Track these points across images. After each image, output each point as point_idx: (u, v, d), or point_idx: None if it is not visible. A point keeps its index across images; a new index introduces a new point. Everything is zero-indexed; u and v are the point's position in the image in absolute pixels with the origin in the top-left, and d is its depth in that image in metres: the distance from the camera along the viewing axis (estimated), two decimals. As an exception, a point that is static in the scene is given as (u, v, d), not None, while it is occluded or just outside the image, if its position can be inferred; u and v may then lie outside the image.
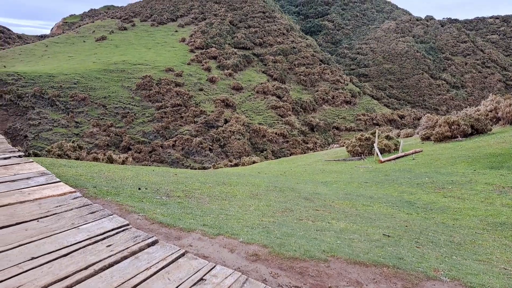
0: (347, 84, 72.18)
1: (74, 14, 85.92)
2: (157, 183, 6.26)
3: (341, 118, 62.11)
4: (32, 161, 2.64)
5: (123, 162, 18.27)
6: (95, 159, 17.33)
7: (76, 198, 2.27)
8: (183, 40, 76.08)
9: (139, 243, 1.91)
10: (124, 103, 50.41)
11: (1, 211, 2.03)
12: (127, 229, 2.03)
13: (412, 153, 15.45)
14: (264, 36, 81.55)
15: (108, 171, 6.70)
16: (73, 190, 2.35)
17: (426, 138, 18.72)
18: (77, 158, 14.69)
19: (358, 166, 14.85)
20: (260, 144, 49.63)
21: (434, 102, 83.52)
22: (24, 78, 45.51)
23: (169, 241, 3.15)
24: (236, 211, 5.13)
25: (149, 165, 37.14)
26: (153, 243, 1.95)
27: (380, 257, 3.55)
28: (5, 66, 52.91)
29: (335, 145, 33.50)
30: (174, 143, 46.89)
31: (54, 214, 2.07)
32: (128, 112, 48.82)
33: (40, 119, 40.49)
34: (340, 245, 3.91)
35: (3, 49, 63.67)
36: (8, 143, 3.41)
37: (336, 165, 16.26)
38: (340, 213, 6.04)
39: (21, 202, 2.14)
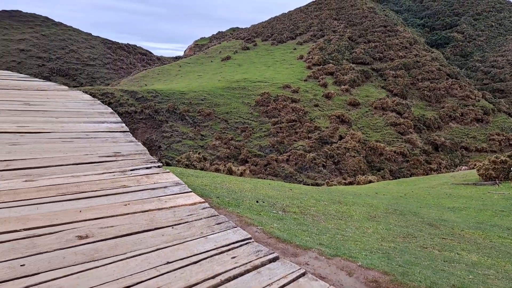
0: (479, 100, 65.15)
1: (204, 37, 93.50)
2: (273, 197, 6.38)
3: (471, 137, 56.14)
4: (169, 172, 2.89)
5: (241, 174, 19.10)
6: (217, 170, 18.41)
7: (204, 208, 2.42)
8: (301, 57, 77.29)
9: (261, 257, 1.95)
10: (243, 118, 52.91)
11: (143, 216, 2.26)
12: (250, 242, 2.09)
13: None
14: (385, 50, 78.49)
15: (229, 182, 7.06)
16: (202, 200, 2.51)
17: None
18: (201, 168, 15.82)
19: (491, 192, 13.21)
20: (377, 163, 47.45)
21: None
22: (160, 95, 50.72)
23: (286, 257, 3.16)
24: (353, 232, 4.95)
25: (265, 178, 38.21)
26: (274, 259, 1.98)
27: (525, 301, 3.07)
28: (146, 85, 59.77)
29: (463, 167, 30.38)
30: (288, 157, 47.56)
31: (186, 222, 2.23)
32: (247, 127, 51.13)
33: (172, 132, 44.63)
34: (472, 280, 3.49)
35: (145, 69, 72.31)
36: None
37: (465, 190, 14.69)
38: (471, 244, 5.42)
39: (159, 209, 2.35)
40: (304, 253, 3.32)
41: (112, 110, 5.00)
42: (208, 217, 2.32)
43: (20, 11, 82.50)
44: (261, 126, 51.29)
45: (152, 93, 50.72)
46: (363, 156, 47.11)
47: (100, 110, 4.86)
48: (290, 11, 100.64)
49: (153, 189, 2.66)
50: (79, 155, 3.20)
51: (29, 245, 1.89)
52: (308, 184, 37.21)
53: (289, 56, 78.24)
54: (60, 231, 2.04)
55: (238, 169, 19.03)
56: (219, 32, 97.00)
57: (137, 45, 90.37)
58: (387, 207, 7.71)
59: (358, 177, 33.30)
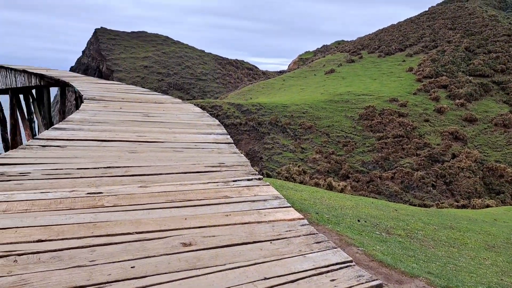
0: None
1: (309, 51, 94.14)
2: (376, 217, 6.05)
3: None
4: (269, 185, 2.90)
5: (342, 190, 18.59)
6: (316, 184, 18.20)
7: (303, 225, 2.36)
8: (411, 69, 73.25)
9: (362, 283, 1.83)
10: (346, 132, 51.84)
11: (243, 228, 2.28)
12: (351, 266, 1.98)
13: None
14: (508, 61, 70.53)
15: (329, 199, 6.90)
16: (301, 216, 2.46)
17: None
18: (301, 182, 15.79)
19: None
20: (496, 186, 42.47)
21: None
22: (264, 108, 52.14)
23: (389, 283, 2.95)
24: (467, 262, 4.45)
25: (366, 196, 36.74)
26: (377, 287, 1.84)
27: None
28: (251, 98, 62.10)
29: None
30: (393, 175, 45.09)
31: (284, 238, 2.20)
32: (349, 141, 49.88)
33: (273, 144, 45.48)
34: None
35: (251, 83, 75.22)
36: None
37: None
38: None
39: (258, 222, 2.36)
40: (410, 281, 3.06)
41: (219, 122, 5.27)
42: (307, 234, 2.26)
43: (146, 32, 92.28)
44: (364, 140, 49.63)
45: (256, 106, 52.36)
46: (479, 177, 42.59)
47: (208, 122, 5.16)
48: (399, 22, 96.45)
49: (253, 201, 2.69)
50: (188, 164, 3.39)
51: (140, 248, 2.02)
52: (415, 205, 34.77)
53: (397, 69, 74.71)
54: (167, 236, 2.15)
55: (338, 185, 18.60)
56: (323, 45, 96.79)
57: (245, 61, 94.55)
58: (508, 237, 6.81)
59: (473, 200, 30.18)
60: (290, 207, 2.62)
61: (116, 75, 70.81)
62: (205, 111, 6.24)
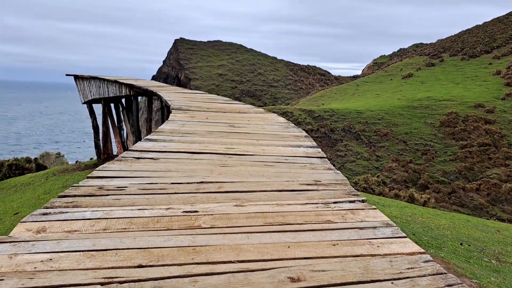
0: None
1: (384, 55, 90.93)
2: (479, 240, 5.40)
3: None
4: (375, 208, 2.59)
5: (425, 203, 17.44)
6: (396, 196, 17.27)
7: (427, 261, 2.02)
8: (498, 72, 67.49)
9: None
10: (425, 140, 49.27)
11: (355, 263, 2.00)
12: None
13: None
14: None
15: (421, 216, 6.32)
16: (422, 250, 2.12)
17: None
18: (380, 193, 15.01)
19: None
20: None
21: None
22: (336, 114, 51.26)
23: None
24: None
25: (448, 208, 34.33)
26: None
27: None
28: (323, 104, 61.27)
29: None
30: (478, 186, 41.63)
31: (407, 277, 1.88)
32: (429, 149, 47.16)
33: (346, 151, 44.41)
34: None
35: (323, 89, 74.25)
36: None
37: None
38: None
39: (371, 255, 2.07)
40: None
41: (306, 134, 5.02)
42: (434, 274, 1.91)
43: (221, 41, 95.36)
44: (445, 149, 46.79)
45: (329, 112, 51.60)
46: None
47: (295, 133, 4.94)
48: (485, 23, 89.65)
49: (361, 228, 2.40)
50: (281, 181, 3.19)
51: (244, 281, 1.83)
52: (504, 220, 31.73)
53: (483, 72, 69.27)
54: (272, 268, 1.94)
55: (421, 197, 17.47)
56: (400, 49, 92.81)
57: (317, 66, 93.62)
58: None
59: None
60: (406, 237, 2.29)
61: (193, 83, 73.88)
62: (290, 121, 6.04)
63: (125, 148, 18.05)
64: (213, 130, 4.79)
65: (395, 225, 2.44)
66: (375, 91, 67.45)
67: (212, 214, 2.53)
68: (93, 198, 2.73)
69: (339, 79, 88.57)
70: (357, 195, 2.93)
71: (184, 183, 3.10)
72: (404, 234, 2.31)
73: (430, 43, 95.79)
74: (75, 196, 2.75)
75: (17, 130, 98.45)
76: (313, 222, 2.47)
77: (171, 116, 5.63)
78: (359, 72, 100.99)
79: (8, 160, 20.67)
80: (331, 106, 56.75)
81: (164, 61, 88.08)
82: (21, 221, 2.35)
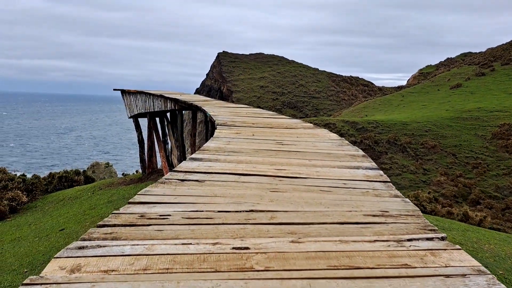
0: None
1: (430, 64, 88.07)
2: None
3: None
4: (460, 249, 2.14)
5: (480, 222, 16.26)
6: (449, 213, 16.24)
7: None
8: (559, 81, 63.42)
9: None
10: (476, 153, 47.13)
11: (452, 328, 1.58)
12: None
13: None
14: None
15: (487, 242, 5.66)
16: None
17: None
18: (432, 211, 14.11)
19: None
20: None
21: None
22: (381, 125, 50.04)
23: None
24: None
25: (501, 225, 32.13)
26: None
27: None
28: (366, 115, 59.89)
29: None
30: (537, 203, 38.99)
31: None
32: (480, 163, 44.96)
33: (391, 164, 43.08)
34: None
35: (367, 100, 72.62)
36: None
37: None
38: None
39: (468, 316, 1.64)
40: None
41: (363, 153, 4.56)
42: None
43: (263, 53, 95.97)
44: (498, 162, 44.37)
45: (373, 124, 50.46)
46: None
47: (350, 152, 4.49)
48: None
49: (447, 276, 1.96)
50: (342, 211, 2.79)
51: None
52: None
53: (540, 81, 65.35)
54: (344, 330, 1.57)
55: (476, 215, 16.32)
56: (447, 58, 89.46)
57: (359, 77, 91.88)
58: None
59: None
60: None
61: (235, 96, 74.55)
62: (343, 138, 5.61)
63: (169, 162, 18.07)
64: (260, 148, 4.45)
65: (488, 271, 1.99)
66: (421, 102, 65.19)
67: (265, 253, 2.19)
68: (134, 229, 2.47)
69: (383, 90, 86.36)
70: (434, 230, 2.49)
71: (232, 211, 2.77)
72: (501, 285, 1.86)
73: (479, 52, 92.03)
74: (114, 225, 2.50)
75: (69, 141, 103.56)
76: (386, 267, 2.06)
77: (216, 133, 5.36)
78: (403, 83, 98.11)
79: (59, 173, 21.32)
80: (375, 117, 55.26)
81: (207, 74, 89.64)
82: (55, 256, 2.11)
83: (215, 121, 6.59)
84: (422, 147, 47.07)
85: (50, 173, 21.81)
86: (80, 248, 2.19)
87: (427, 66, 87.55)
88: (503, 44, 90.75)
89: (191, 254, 2.17)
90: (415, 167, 43.97)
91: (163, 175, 16.86)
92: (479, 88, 68.52)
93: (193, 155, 4.01)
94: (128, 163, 69.46)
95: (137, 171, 25.45)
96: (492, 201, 39.10)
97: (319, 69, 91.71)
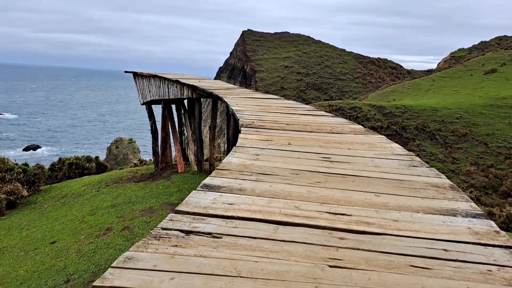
0: None
1: (463, 48, 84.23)
2: None
3: None
4: None
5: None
6: (490, 214, 15.06)
7: None
8: None
9: None
10: (509, 143, 45.79)
11: None
12: None
13: None
14: None
15: None
16: None
17: None
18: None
19: None
20: None
21: None
22: (409, 111, 48.66)
23: None
24: None
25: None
26: None
27: None
28: (394, 99, 57.92)
29: None
30: None
31: None
32: (513, 153, 43.78)
33: (419, 151, 41.82)
34: None
35: (395, 83, 69.96)
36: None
37: None
38: None
39: None
40: None
41: (450, 181, 3.09)
42: None
43: (288, 32, 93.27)
44: (533, 153, 42.72)
45: (401, 109, 48.94)
46: None
47: (431, 180, 2.98)
48: None
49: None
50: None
51: None
52: None
53: None
54: None
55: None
56: (481, 42, 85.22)
57: (388, 59, 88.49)
58: None
59: None
60: None
61: (258, 75, 72.86)
62: (412, 153, 4.23)
63: (185, 157, 16.72)
64: (301, 170, 3.03)
65: None
66: (452, 87, 62.59)
67: None
68: None
69: (411, 73, 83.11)
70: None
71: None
72: None
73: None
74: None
75: (95, 116, 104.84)
76: None
77: (240, 139, 4.01)
78: (433, 66, 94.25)
79: (69, 159, 19.88)
80: (403, 102, 53.14)
81: (231, 53, 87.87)
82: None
83: (239, 119, 5.23)
84: (452, 134, 45.93)
85: (60, 158, 20.21)
86: None
87: (459, 50, 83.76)
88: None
89: None
90: (444, 156, 42.79)
91: (177, 171, 15.14)
92: (515, 74, 65.81)
93: (207, 180, 2.72)
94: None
95: (150, 160, 23.93)
96: (524, 194, 37.51)
97: (346, 50, 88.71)
